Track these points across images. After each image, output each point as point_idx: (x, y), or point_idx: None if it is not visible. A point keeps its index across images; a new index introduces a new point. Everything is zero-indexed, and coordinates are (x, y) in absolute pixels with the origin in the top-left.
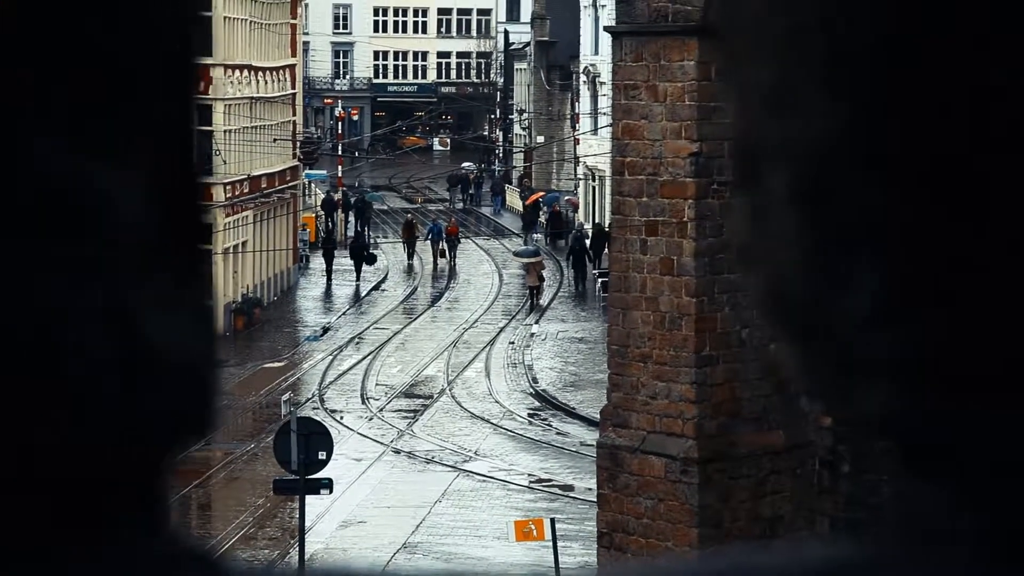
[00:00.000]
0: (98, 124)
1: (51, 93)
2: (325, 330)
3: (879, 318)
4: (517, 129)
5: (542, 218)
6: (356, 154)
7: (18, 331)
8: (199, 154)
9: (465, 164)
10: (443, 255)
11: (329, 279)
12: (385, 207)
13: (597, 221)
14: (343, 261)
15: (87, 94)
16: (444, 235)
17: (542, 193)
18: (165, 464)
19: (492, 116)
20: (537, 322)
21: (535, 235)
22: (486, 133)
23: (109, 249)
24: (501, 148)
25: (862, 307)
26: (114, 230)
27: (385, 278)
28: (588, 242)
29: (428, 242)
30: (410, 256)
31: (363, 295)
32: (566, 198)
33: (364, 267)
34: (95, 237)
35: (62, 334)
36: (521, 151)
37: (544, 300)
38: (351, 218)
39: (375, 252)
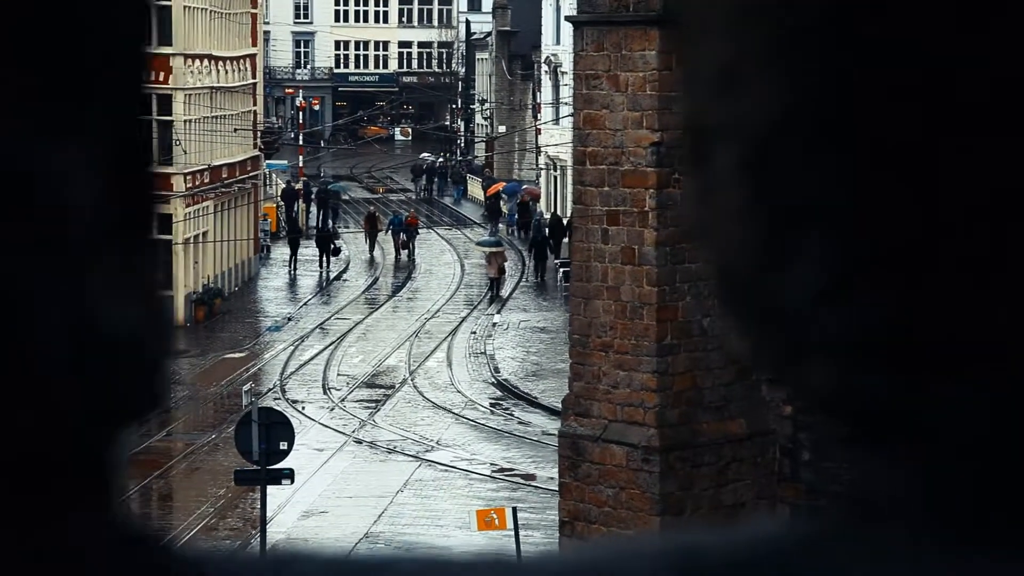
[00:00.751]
0: (49, 105)
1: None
2: (288, 319)
3: (829, 296)
4: (479, 119)
5: (504, 208)
6: (322, 143)
7: None
8: (151, 137)
9: (423, 155)
10: (405, 246)
11: (293, 268)
12: (347, 197)
13: (553, 210)
14: (304, 252)
15: (38, 74)
16: (404, 226)
17: (503, 183)
18: (114, 446)
19: (454, 106)
20: (499, 312)
21: (500, 225)
22: (448, 123)
23: (58, 231)
24: (463, 138)
25: (812, 286)
26: (63, 212)
27: (347, 268)
28: (547, 231)
29: (389, 234)
30: (372, 248)
31: (325, 284)
32: (524, 187)
33: (330, 257)
34: (44, 219)
35: (12, 316)
36: (483, 141)
37: (505, 291)
38: (313, 208)
39: (339, 244)
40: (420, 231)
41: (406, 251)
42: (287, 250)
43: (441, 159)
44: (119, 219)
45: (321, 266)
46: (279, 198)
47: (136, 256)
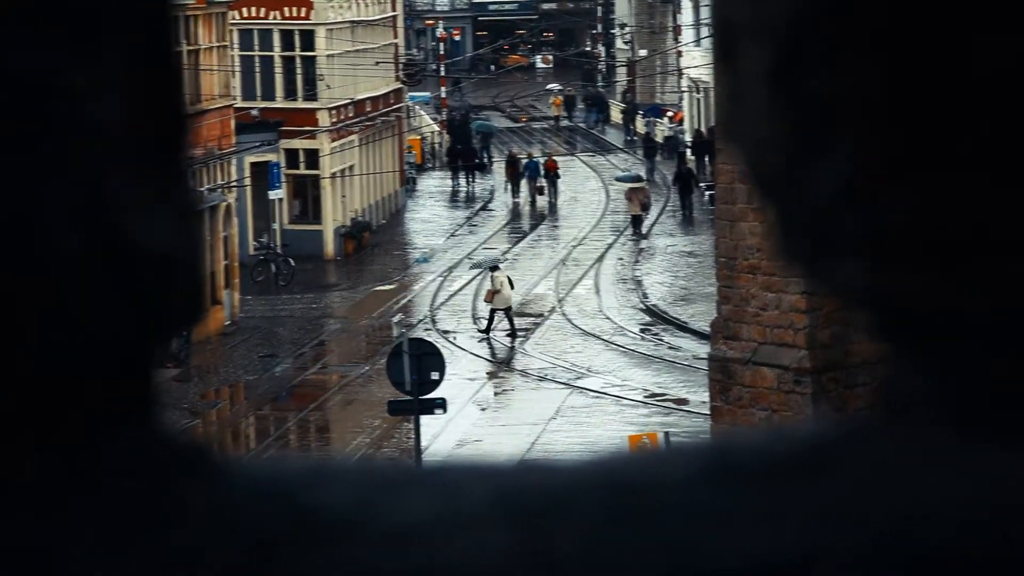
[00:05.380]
0: (63, 16)
1: None
2: (432, 254)
3: (854, 194)
4: (619, 43)
5: (642, 128)
6: (469, 73)
7: None
8: (177, 48)
9: (551, 85)
10: (541, 192)
11: (456, 183)
12: (497, 127)
13: (696, 127)
14: (442, 182)
15: None
16: (543, 171)
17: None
18: (151, 361)
19: (594, 31)
20: (645, 237)
21: (657, 160)
22: (588, 48)
23: (78, 146)
24: (604, 63)
25: (833, 184)
26: (83, 127)
27: (491, 199)
28: (689, 150)
29: (526, 179)
30: (514, 193)
31: (470, 199)
32: (663, 112)
33: (474, 175)
34: (62, 135)
35: (34, 234)
36: (624, 65)
37: (646, 227)
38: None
39: (484, 160)
40: (559, 176)
41: (543, 196)
42: (430, 182)
43: (571, 87)
44: (147, 135)
45: (468, 183)
46: (445, 131)
47: (166, 171)
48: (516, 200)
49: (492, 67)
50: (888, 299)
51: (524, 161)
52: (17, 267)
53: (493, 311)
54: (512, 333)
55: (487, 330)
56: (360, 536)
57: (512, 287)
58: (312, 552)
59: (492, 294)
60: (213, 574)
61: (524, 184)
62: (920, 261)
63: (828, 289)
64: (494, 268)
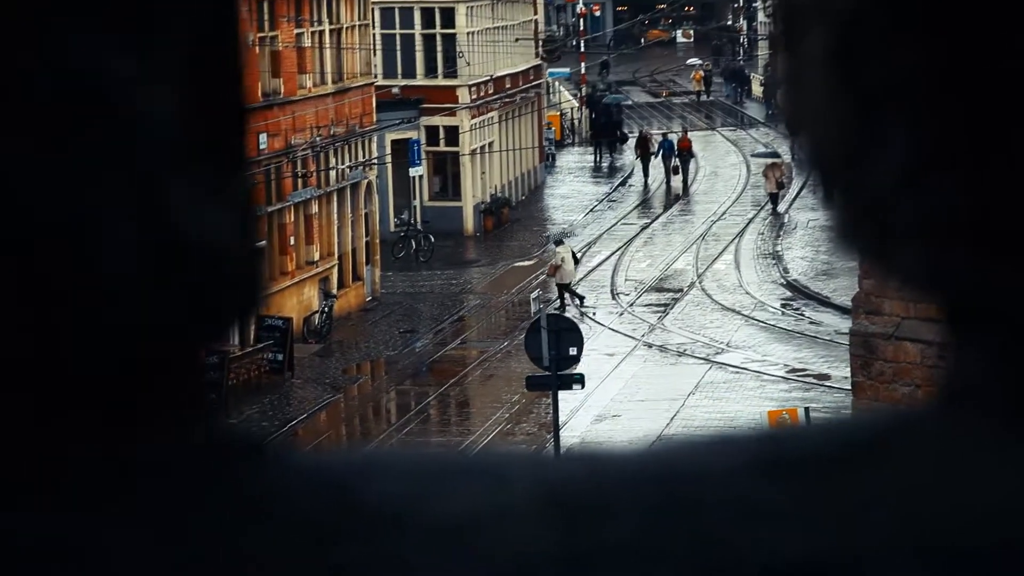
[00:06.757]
0: (120, 8)
1: None
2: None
3: (911, 179)
4: (761, 16)
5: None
6: (610, 46)
7: (45, 228)
8: (244, 45)
9: (691, 60)
10: (676, 172)
11: (599, 159)
12: (629, 103)
13: None
14: (586, 157)
15: None
16: (676, 150)
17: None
18: (200, 355)
19: (736, 4)
20: (787, 211)
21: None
22: (730, 22)
23: (132, 140)
24: (745, 37)
25: (894, 168)
26: (137, 120)
27: (631, 174)
28: None
29: (660, 158)
30: (646, 173)
31: (612, 188)
32: None
33: (613, 150)
34: (116, 128)
35: (86, 228)
36: (766, 39)
37: (784, 204)
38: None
39: (626, 131)
40: (693, 155)
41: (678, 176)
42: (569, 158)
43: (708, 63)
44: (204, 128)
45: (611, 155)
46: (580, 106)
47: (223, 165)
48: (647, 180)
49: (641, 40)
50: (949, 284)
51: (659, 140)
52: (67, 261)
53: (560, 288)
54: (561, 309)
55: (562, 308)
56: (405, 528)
57: (577, 262)
58: (358, 544)
59: (554, 268)
60: (261, 565)
61: (657, 163)
62: (980, 246)
63: (891, 274)
64: (558, 242)
